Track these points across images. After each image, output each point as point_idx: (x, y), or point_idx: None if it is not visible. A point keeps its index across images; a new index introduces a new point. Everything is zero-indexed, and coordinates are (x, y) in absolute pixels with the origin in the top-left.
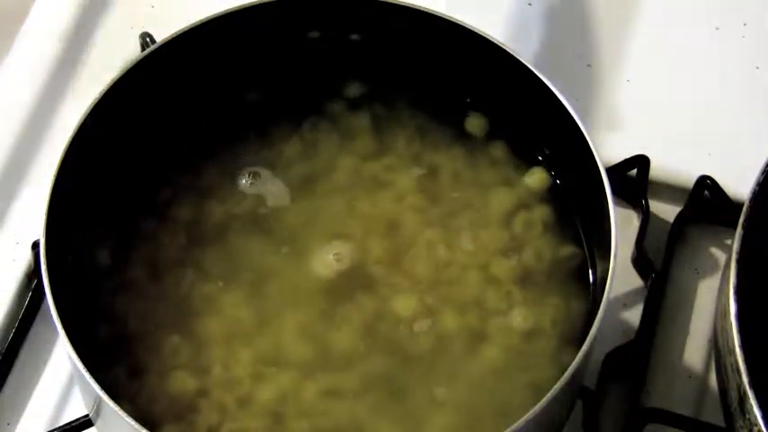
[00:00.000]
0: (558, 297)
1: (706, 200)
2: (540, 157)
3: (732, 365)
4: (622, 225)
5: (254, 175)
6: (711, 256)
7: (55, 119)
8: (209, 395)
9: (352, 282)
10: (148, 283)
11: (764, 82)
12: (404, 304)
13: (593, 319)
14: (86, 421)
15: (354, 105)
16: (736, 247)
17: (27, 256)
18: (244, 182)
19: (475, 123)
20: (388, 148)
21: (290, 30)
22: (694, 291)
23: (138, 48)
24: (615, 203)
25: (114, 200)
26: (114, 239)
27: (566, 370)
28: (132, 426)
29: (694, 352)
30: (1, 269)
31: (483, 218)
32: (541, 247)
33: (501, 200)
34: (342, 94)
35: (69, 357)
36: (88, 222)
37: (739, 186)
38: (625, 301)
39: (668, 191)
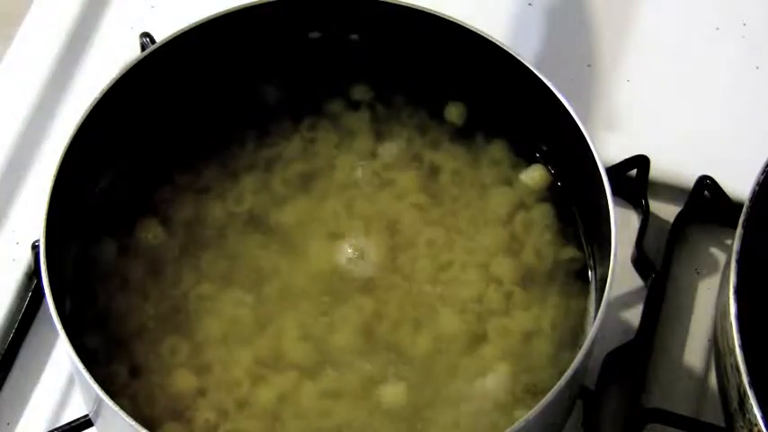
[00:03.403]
0: (558, 297)
1: (706, 200)
2: (540, 158)
3: (732, 365)
4: (622, 225)
5: None
6: (711, 256)
7: (55, 119)
8: (208, 395)
9: (352, 282)
10: (148, 283)
11: (764, 82)
12: (404, 304)
13: (594, 319)
14: (86, 421)
15: (354, 105)
16: (736, 247)
17: (27, 256)
18: None
19: (454, 112)
20: (389, 147)
21: (290, 30)
22: (694, 291)
23: (138, 48)
24: (615, 203)
25: (114, 200)
26: (114, 239)
27: (565, 370)
28: (132, 426)
29: (694, 352)
30: (1, 269)
31: (483, 217)
32: (541, 246)
33: (501, 199)
34: (342, 93)
35: (69, 357)
36: (88, 222)
37: (739, 186)
38: (625, 301)
39: (668, 191)
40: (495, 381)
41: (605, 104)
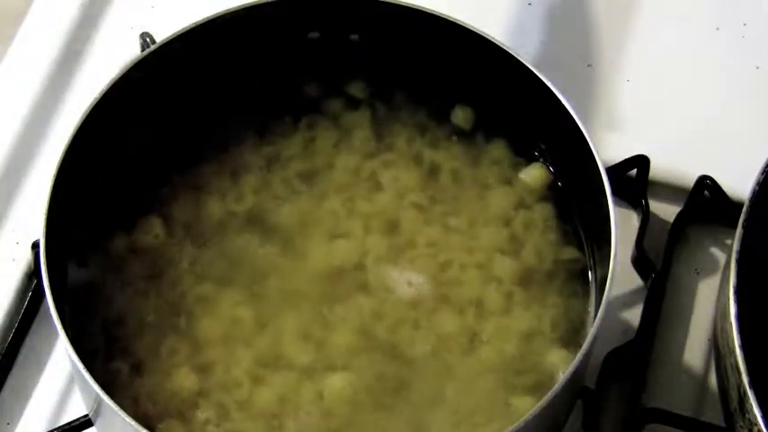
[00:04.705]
0: (558, 297)
1: (706, 200)
2: (540, 157)
3: (732, 365)
4: (622, 225)
5: None
6: (711, 256)
7: (55, 119)
8: (208, 396)
9: (351, 282)
10: (148, 283)
11: (764, 82)
12: (403, 304)
13: (594, 319)
14: (86, 421)
15: (354, 104)
16: (736, 247)
17: (27, 256)
18: None
19: (461, 116)
20: (388, 147)
21: (290, 30)
22: (694, 291)
23: (138, 48)
24: (615, 203)
25: (114, 199)
26: (114, 239)
27: (565, 370)
28: (132, 425)
29: (694, 352)
30: (1, 269)
31: (483, 216)
32: (542, 246)
33: (501, 198)
34: (342, 92)
35: (69, 357)
36: (88, 222)
37: (739, 186)
38: (625, 301)
39: (668, 191)
40: (495, 380)
41: (605, 104)
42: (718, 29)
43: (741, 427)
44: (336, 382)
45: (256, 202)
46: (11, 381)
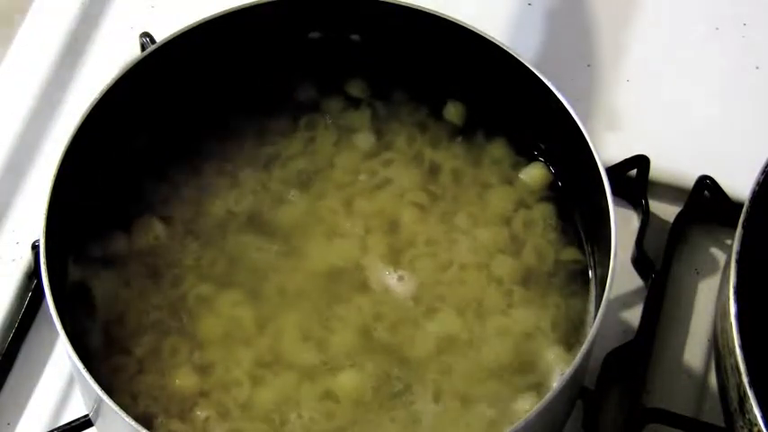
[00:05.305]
0: (558, 297)
1: (706, 200)
2: (540, 157)
3: (732, 365)
4: (622, 225)
5: None
6: (711, 256)
7: (55, 119)
8: (208, 396)
9: (351, 281)
10: (148, 283)
11: (764, 82)
12: (404, 304)
13: (594, 319)
14: (86, 421)
15: (354, 103)
16: (736, 247)
17: (27, 256)
18: None
19: (453, 111)
20: (388, 146)
21: (290, 30)
22: (694, 291)
23: (138, 48)
24: (615, 203)
25: (114, 199)
26: (114, 239)
27: (565, 370)
28: (132, 425)
29: (694, 352)
30: (1, 269)
31: (484, 216)
32: (542, 246)
33: (502, 198)
34: (342, 92)
35: (69, 357)
36: (88, 222)
37: (739, 186)
38: (625, 301)
39: (668, 191)
40: (495, 381)
41: (605, 104)
42: (718, 29)
43: (741, 427)
44: (336, 383)
45: (256, 202)
46: (11, 381)
